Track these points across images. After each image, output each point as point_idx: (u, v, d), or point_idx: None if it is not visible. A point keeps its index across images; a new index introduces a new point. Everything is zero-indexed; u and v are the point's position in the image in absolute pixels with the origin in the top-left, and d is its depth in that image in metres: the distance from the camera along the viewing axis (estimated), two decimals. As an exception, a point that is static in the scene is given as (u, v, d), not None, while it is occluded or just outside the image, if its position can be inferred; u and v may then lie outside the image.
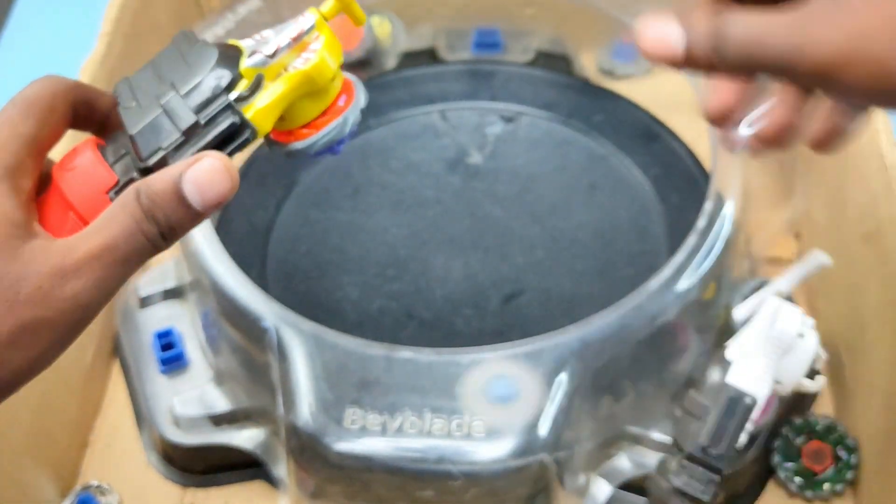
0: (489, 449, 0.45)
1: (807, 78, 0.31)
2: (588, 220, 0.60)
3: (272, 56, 0.35)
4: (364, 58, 0.70)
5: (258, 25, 0.62)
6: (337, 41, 0.36)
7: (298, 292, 0.57)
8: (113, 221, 0.32)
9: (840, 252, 0.59)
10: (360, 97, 0.38)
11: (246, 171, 0.64)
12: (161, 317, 0.59)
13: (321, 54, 0.35)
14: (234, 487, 0.57)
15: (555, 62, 0.71)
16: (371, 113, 0.66)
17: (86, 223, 0.33)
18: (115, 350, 0.62)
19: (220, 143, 0.34)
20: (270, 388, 0.49)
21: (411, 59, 0.71)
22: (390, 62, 0.71)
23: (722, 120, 0.37)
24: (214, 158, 0.33)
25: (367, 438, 0.45)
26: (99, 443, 0.59)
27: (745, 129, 0.54)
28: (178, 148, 0.34)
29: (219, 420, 0.55)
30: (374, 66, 0.71)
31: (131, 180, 0.34)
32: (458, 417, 0.46)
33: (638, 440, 0.52)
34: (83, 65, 0.59)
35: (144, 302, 0.59)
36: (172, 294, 0.59)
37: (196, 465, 0.56)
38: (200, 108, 0.34)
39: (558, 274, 0.58)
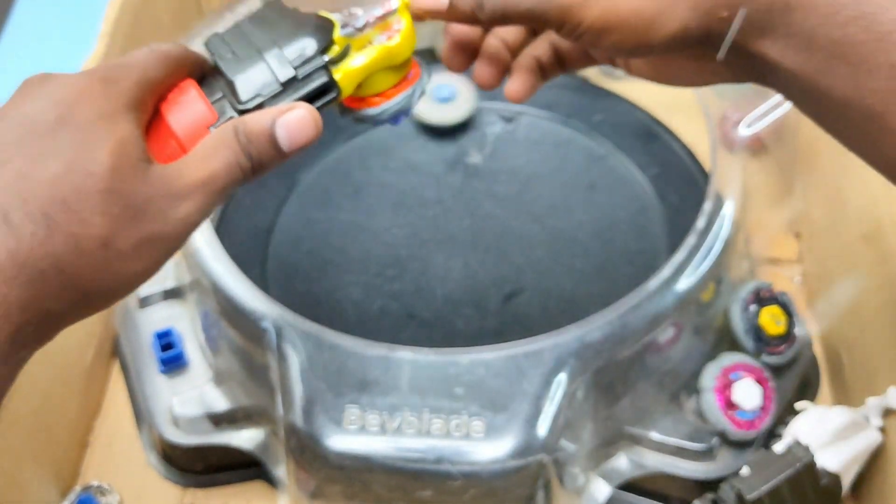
0: (488, 449, 0.45)
1: (554, 23, 0.37)
2: (587, 219, 0.60)
3: (361, 29, 0.39)
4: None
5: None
6: (412, 27, 0.40)
7: (298, 292, 0.57)
8: (215, 154, 0.36)
9: (840, 252, 0.59)
10: (425, 77, 0.42)
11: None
12: (161, 317, 0.59)
13: (404, 34, 0.40)
14: (233, 487, 0.57)
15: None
16: (371, 113, 0.67)
17: (185, 151, 0.37)
18: (115, 350, 0.62)
19: (311, 98, 0.39)
20: (270, 389, 0.49)
21: (411, 59, 0.71)
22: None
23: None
24: (304, 109, 0.37)
25: (367, 438, 0.45)
26: (99, 443, 0.59)
27: (744, 129, 0.54)
28: (275, 97, 0.38)
29: (218, 420, 0.55)
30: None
31: (228, 119, 0.38)
32: (457, 417, 0.46)
33: (637, 440, 0.52)
34: (83, 65, 0.59)
35: (144, 302, 0.59)
36: (172, 294, 0.59)
37: (196, 465, 0.56)
38: (299, 65, 0.39)
39: (558, 273, 0.58)
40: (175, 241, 0.36)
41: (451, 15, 0.39)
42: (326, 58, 0.39)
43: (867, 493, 0.52)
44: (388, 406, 0.46)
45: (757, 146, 0.55)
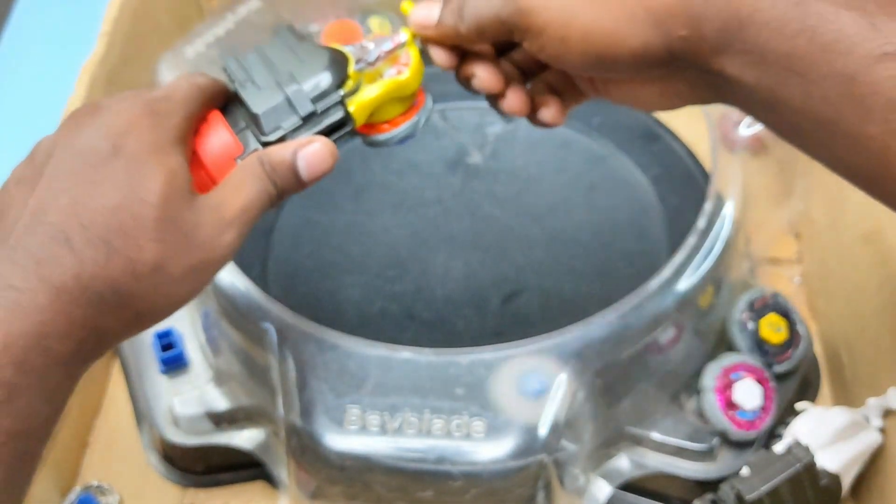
0: (489, 449, 0.45)
1: (518, 30, 0.39)
2: (588, 220, 0.60)
3: (372, 63, 0.42)
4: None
5: (258, 26, 0.62)
6: (420, 61, 0.43)
7: (299, 293, 0.57)
8: (247, 184, 0.39)
9: (840, 252, 0.59)
10: (429, 103, 0.45)
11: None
12: (161, 317, 0.59)
13: (413, 69, 0.43)
14: (234, 488, 0.57)
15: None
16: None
17: (215, 182, 0.40)
18: (115, 350, 0.62)
19: (328, 131, 0.42)
20: (270, 389, 0.49)
21: (411, 59, 0.71)
22: (390, 63, 0.71)
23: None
24: (322, 143, 0.40)
25: (367, 439, 0.46)
26: (99, 443, 0.59)
27: (745, 130, 0.54)
28: (296, 130, 0.41)
29: (219, 420, 0.55)
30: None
31: (253, 150, 0.41)
32: (458, 418, 0.46)
33: (638, 441, 0.52)
34: (83, 65, 0.59)
35: (145, 302, 0.59)
36: (172, 294, 0.59)
37: (196, 465, 0.56)
38: (317, 100, 0.41)
39: (558, 274, 0.58)
40: (219, 265, 0.38)
41: (440, 30, 0.42)
42: (342, 92, 0.42)
43: (867, 494, 0.52)
44: (389, 406, 0.46)
45: (757, 146, 0.55)
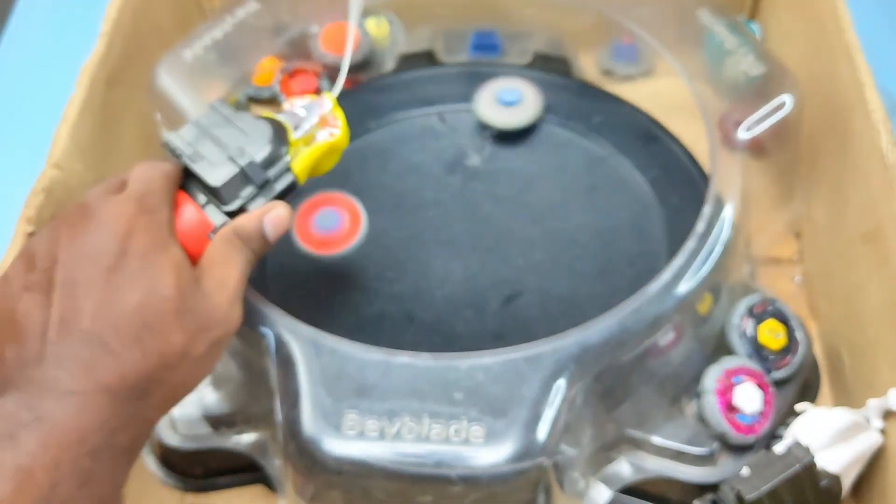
0: (488, 453, 0.45)
1: None
2: (587, 221, 0.60)
3: (307, 130, 0.48)
4: (362, 61, 0.70)
5: (256, 28, 0.62)
6: (345, 121, 0.49)
7: (297, 295, 0.57)
8: (233, 258, 0.43)
9: (840, 252, 0.59)
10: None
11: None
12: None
13: (343, 129, 0.49)
14: (232, 492, 0.57)
15: (553, 64, 0.71)
16: (370, 115, 0.66)
17: (194, 259, 0.43)
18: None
19: (280, 195, 0.47)
20: (269, 393, 0.49)
21: (410, 61, 0.71)
22: (389, 64, 0.71)
23: None
24: (282, 207, 0.46)
25: (366, 443, 0.45)
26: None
27: (744, 133, 0.54)
28: (253, 198, 0.46)
29: (217, 424, 0.54)
30: (372, 69, 0.71)
31: (221, 225, 0.45)
32: (457, 422, 0.46)
33: (638, 444, 0.52)
34: (83, 65, 0.59)
35: (143, 305, 0.59)
36: (171, 297, 0.59)
37: (194, 469, 0.56)
38: (268, 168, 0.46)
39: (558, 275, 0.57)
40: (231, 335, 0.43)
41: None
42: (288, 158, 0.47)
43: (867, 495, 0.52)
44: (387, 411, 0.46)
45: (757, 148, 0.55)
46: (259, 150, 0.46)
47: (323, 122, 0.49)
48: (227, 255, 0.43)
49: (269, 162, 0.46)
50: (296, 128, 0.48)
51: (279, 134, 0.47)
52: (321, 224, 0.60)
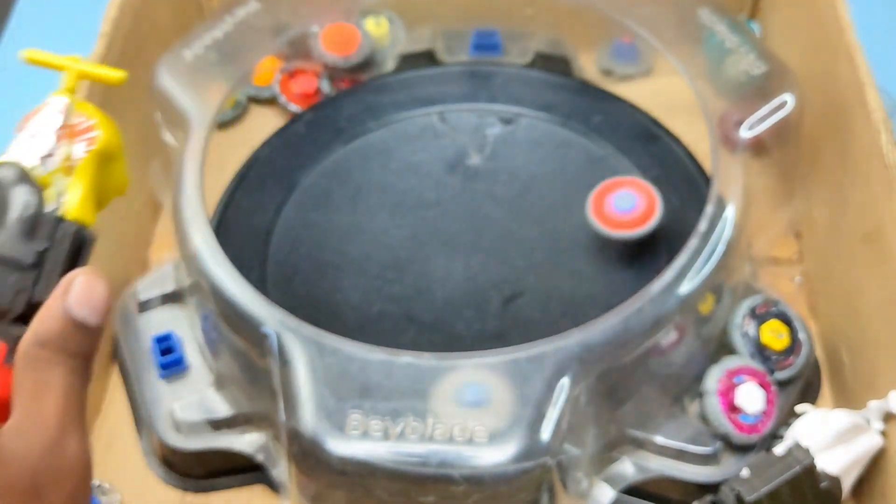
0: (491, 453, 0.45)
1: None
2: (588, 221, 0.60)
3: (53, 155, 0.34)
4: (362, 61, 0.70)
5: (256, 28, 0.62)
6: (98, 110, 0.35)
7: (298, 295, 0.57)
8: (47, 381, 0.31)
9: (840, 252, 0.59)
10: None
11: (245, 173, 0.64)
12: (160, 321, 0.58)
13: (102, 124, 0.35)
14: (234, 492, 0.56)
15: (553, 63, 0.71)
16: (370, 115, 0.66)
17: (3, 398, 0.32)
18: (114, 355, 0.62)
19: (72, 257, 0.33)
20: (271, 393, 0.49)
21: (410, 61, 0.71)
22: (389, 64, 0.71)
23: None
24: (81, 273, 0.31)
25: (369, 444, 0.45)
26: (98, 447, 0.59)
27: (746, 132, 0.54)
28: (37, 283, 0.33)
29: (219, 424, 0.54)
30: (372, 68, 0.70)
31: (14, 341, 0.32)
32: (460, 422, 0.45)
33: (641, 444, 0.52)
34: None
35: (143, 306, 0.59)
36: (171, 298, 0.59)
37: (196, 469, 0.56)
38: (30, 235, 0.33)
39: (558, 275, 0.58)
40: (89, 471, 0.32)
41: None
42: (52, 208, 0.34)
43: (868, 497, 0.52)
44: (391, 411, 0.46)
45: (758, 148, 0.55)
46: (3, 223, 0.32)
47: (70, 134, 0.36)
48: (37, 381, 0.31)
49: (30, 226, 0.33)
50: (40, 161, 0.35)
51: (20, 180, 0.34)
52: (618, 206, 0.58)
